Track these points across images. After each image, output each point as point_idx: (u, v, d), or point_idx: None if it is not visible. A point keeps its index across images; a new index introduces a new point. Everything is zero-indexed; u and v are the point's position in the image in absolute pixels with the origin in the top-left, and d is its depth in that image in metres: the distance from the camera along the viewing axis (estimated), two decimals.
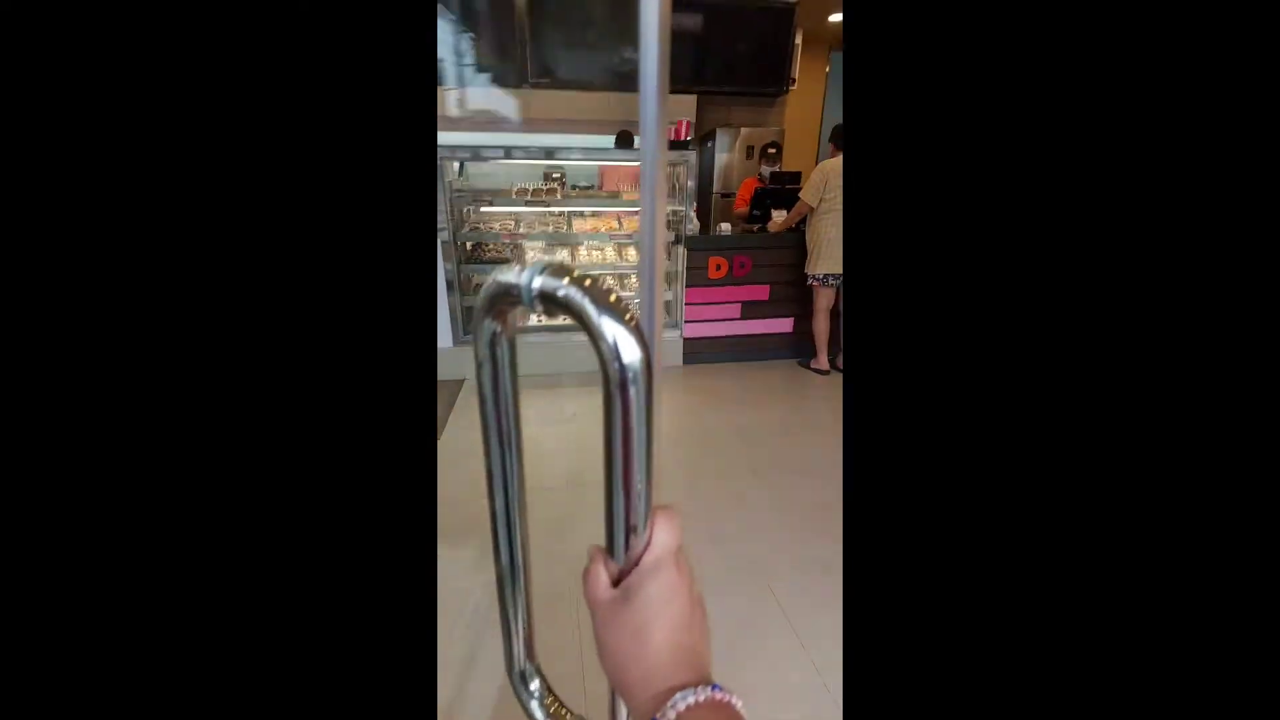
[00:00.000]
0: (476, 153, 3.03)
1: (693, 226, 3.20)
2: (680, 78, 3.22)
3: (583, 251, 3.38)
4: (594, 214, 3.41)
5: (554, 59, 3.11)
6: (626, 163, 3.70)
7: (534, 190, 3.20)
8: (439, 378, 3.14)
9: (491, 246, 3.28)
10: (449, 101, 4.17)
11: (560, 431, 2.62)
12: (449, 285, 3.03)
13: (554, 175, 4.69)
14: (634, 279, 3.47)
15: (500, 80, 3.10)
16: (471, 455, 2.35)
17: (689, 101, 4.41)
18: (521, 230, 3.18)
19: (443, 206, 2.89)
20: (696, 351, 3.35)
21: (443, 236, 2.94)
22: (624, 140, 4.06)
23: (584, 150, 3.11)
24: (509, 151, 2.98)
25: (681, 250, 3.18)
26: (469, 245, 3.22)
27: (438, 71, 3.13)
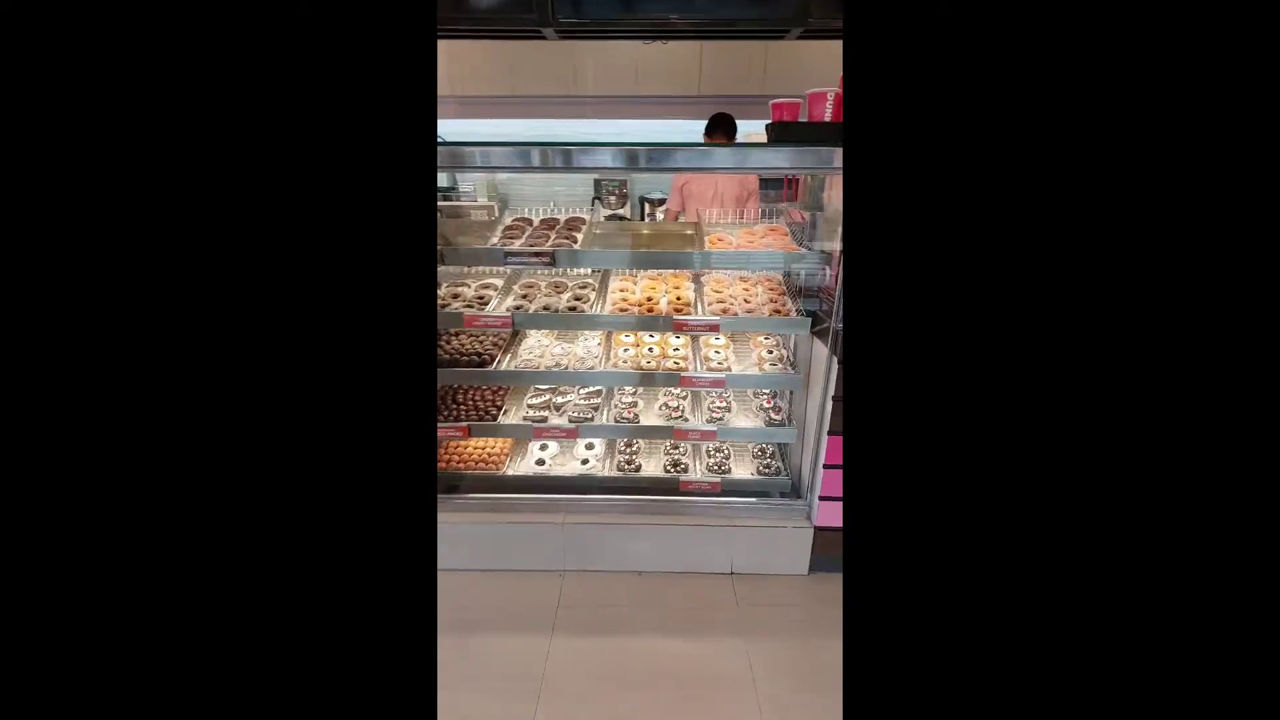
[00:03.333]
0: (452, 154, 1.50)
1: None
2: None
3: (626, 341, 1.80)
4: (653, 273, 1.81)
5: None
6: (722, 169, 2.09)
7: (535, 229, 1.68)
8: None
9: (456, 334, 1.82)
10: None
11: None
12: None
13: (610, 187, 3.17)
14: (721, 398, 1.83)
15: (507, 23, 1.63)
16: None
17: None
18: (512, 302, 1.68)
19: None
20: (836, 551, 1.65)
21: None
22: (719, 127, 2.43)
23: (621, 153, 1.46)
24: (484, 156, 1.45)
25: (828, 358, 1.50)
26: None
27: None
